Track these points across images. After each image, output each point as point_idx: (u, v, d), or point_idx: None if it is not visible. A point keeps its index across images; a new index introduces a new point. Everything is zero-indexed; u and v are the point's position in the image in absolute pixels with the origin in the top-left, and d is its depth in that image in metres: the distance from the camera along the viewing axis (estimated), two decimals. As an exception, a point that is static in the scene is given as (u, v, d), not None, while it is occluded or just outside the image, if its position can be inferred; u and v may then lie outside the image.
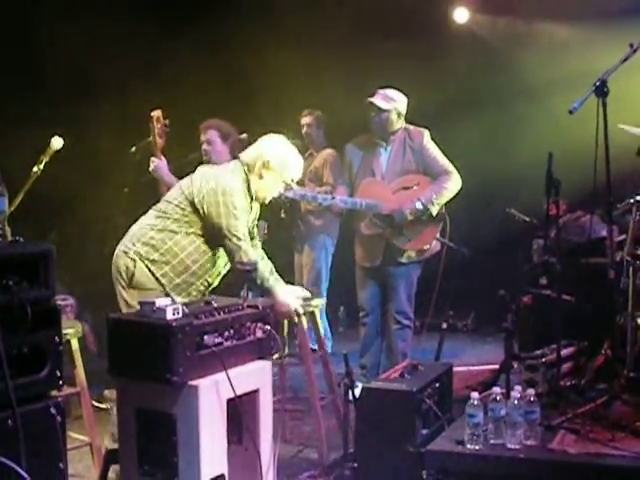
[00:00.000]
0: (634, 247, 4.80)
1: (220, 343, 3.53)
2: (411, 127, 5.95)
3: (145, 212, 4.54)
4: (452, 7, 8.67)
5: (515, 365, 5.09)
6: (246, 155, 4.58)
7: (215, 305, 3.68)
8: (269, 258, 4.64)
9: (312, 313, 5.01)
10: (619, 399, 4.31)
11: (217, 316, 3.59)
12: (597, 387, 4.75)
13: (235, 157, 4.71)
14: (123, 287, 4.38)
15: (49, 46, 6.84)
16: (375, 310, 6.07)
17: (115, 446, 3.86)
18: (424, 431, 4.13)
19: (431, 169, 5.86)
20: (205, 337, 3.45)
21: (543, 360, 4.89)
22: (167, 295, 4.17)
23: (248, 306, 3.80)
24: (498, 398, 3.90)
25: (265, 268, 4.45)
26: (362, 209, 5.81)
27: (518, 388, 3.99)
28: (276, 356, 4.12)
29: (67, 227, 7.07)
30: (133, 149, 5.58)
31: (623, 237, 5.17)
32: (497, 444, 3.89)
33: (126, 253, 4.37)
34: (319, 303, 5.10)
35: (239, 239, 4.35)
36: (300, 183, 6.99)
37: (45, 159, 4.66)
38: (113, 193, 6.55)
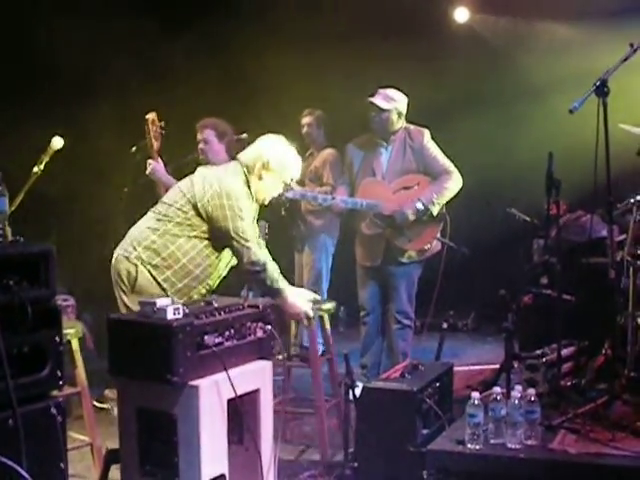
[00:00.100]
0: (634, 247, 4.80)
1: (221, 343, 3.53)
2: (412, 127, 5.96)
3: (144, 214, 4.51)
4: (452, 6, 8.67)
5: (515, 365, 5.09)
6: (245, 156, 4.55)
7: (216, 305, 3.68)
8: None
9: (321, 317, 5.02)
10: (620, 399, 4.30)
11: (218, 316, 3.59)
12: (598, 387, 4.74)
13: (232, 156, 4.69)
14: (124, 292, 4.33)
15: (49, 46, 6.83)
16: (376, 310, 6.08)
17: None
18: (424, 431, 4.13)
19: (432, 169, 5.86)
20: (206, 337, 3.45)
21: (544, 360, 4.89)
22: None
23: (249, 306, 3.80)
24: (498, 398, 3.90)
25: (274, 269, 4.42)
26: (362, 209, 5.82)
27: (518, 388, 3.99)
28: (281, 357, 4.12)
29: (67, 227, 7.06)
30: (133, 149, 5.58)
31: (623, 237, 5.17)
32: (497, 444, 3.89)
33: (127, 258, 4.33)
34: (330, 307, 5.10)
35: (247, 240, 4.32)
36: (300, 183, 7.00)
37: (45, 159, 4.66)
38: (113, 193, 6.55)
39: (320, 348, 5.35)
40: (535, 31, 8.33)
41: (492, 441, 3.91)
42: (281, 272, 4.53)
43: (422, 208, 5.73)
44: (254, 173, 4.48)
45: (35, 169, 4.65)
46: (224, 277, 4.61)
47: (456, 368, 4.95)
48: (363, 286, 6.10)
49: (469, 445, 3.87)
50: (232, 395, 3.49)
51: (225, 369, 3.46)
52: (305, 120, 7.26)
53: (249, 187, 4.47)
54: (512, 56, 8.20)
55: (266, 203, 4.65)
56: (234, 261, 4.51)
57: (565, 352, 4.85)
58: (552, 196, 4.50)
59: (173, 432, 3.39)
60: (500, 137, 8.12)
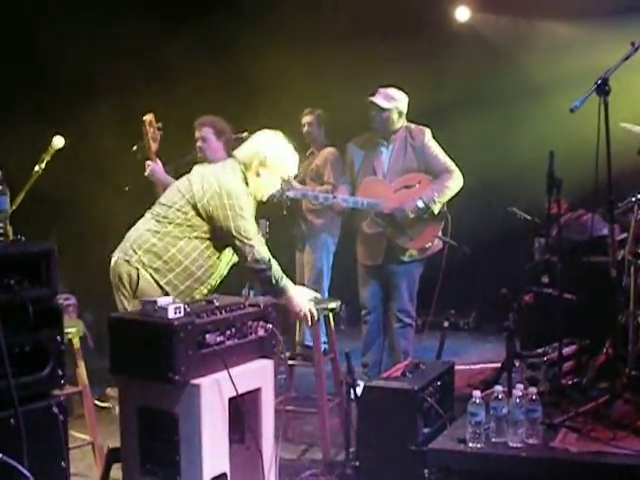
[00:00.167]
0: (635, 246, 4.80)
1: (222, 342, 3.53)
2: (412, 126, 5.96)
3: (144, 214, 4.48)
4: (453, 6, 8.66)
5: (517, 363, 5.08)
6: (241, 153, 4.51)
7: (217, 304, 3.68)
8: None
9: (326, 316, 5.02)
10: (621, 398, 4.30)
11: (219, 315, 3.59)
12: (599, 386, 4.74)
13: (230, 155, 4.66)
14: (125, 296, 4.30)
15: (50, 46, 6.83)
16: (377, 308, 6.08)
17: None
18: (426, 430, 4.13)
19: (432, 167, 5.86)
20: (207, 336, 3.45)
21: (545, 359, 4.90)
22: None
23: (250, 305, 3.80)
24: (500, 396, 3.90)
25: (277, 266, 4.40)
26: (363, 208, 5.82)
27: (520, 387, 3.99)
28: (283, 356, 4.12)
29: (68, 226, 7.06)
30: (134, 148, 5.57)
31: (624, 236, 5.16)
32: (499, 443, 3.90)
33: (128, 262, 4.28)
34: (335, 306, 5.10)
35: (249, 239, 4.29)
36: (301, 182, 7.02)
37: (47, 158, 4.65)
38: (114, 192, 6.55)
39: (322, 347, 5.34)
40: (536, 30, 8.32)
41: (493, 440, 3.91)
42: (283, 272, 4.54)
43: (423, 207, 5.73)
44: (251, 170, 4.44)
45: (36, 168, 4.64)
46: (225, 276, 4.60)
47: (457, 367, 4.95)
48: (364, 285, 6.11)
49: (470, 444, 3.87)
50: (233, 394, 3.49)
51: (226, 368, 3.45)
52: (305, 119, 7.26)
53: (247, 184, 4.44)
54: (513, 55, 8.19)
55: (264, 200, 4.62)
56: (235, 259, 4.49)
57: (566, 351, 4.84)
58: (553, 195, 4.50)
59: (174, 431, 3.39)
60: (501, 136, 8.12)
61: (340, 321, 8.55)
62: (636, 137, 4.82)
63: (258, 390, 3.72)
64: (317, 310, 4.67)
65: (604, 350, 5.03)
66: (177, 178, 4.74)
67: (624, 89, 4.63)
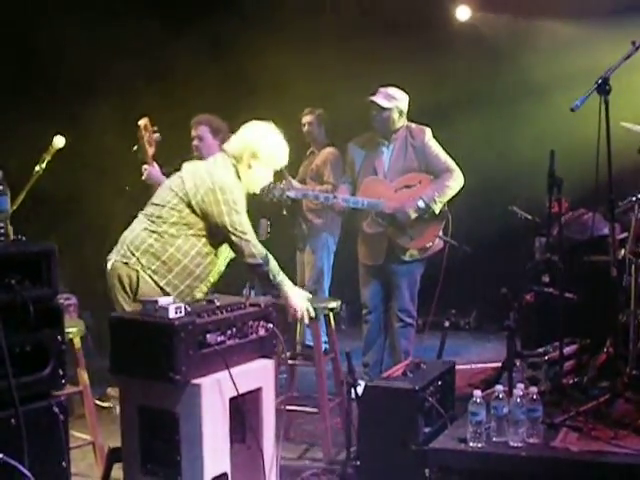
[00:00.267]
0: (636, 245, 4.80)
1: (223, 342, 3.53)
2: (413, 125, 5.95)
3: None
4: (454, 5, 8.67)
5: (517, 363, 5.08)
6: (231, 146, 4.46)
7: (217, 304, 3.68)
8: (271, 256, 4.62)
9: (326, 315, 5.02)
10: (622, 397, 4.30)
11: (220, 315, 3.59)
12: (600, 385, 4.74)
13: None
14: (125, 300, 4.26)
15: (50, 46, 6.83)
16: (378, 308, 6.08)
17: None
18: (427, 429, 4.13)
19: (433, 167, 5.86)
20: (208, 336, 3.45)
21: (546, 358, 4.89)
22: None
23: (251, 305, 3.80)
24: (501, 396, 3.90)
25: (274, 262, 4.38)
26: (364, 208, 5.82)
27: (521, 386, 3.99)
28: (284, 356, 4.11)
29: (69, 226, 7.06)
30: (135, 148, 5.57)
31: (625, 235, 5.16)
32: (500, 442, 3.89)
33: (127, 264, 4.25)
34: (335, 305, 5.10)
35: (244, 233, 4.27)
36: (301, 181, 7.03)
37: (47, 158, 4.65)
38: (115, 192, 6.56)
39: (323, 346, 5.34)
40: (536, 29, 8.33)
41: (494, 439, 3.91)
42: (282, 270, 4.53)
43: (424, 206, 5.73)
44: (243, 163, 4.39)
45: (37, 168, 4.64)
46: (225, 274, 4.59)
47: (458, 366, 4.94)
48: (365, 284, 6.10)
49: (471, 443, 3.87)
50: (234, 394, 3.50)
51: (227, 367, 3.46)
52: (306, 119, 7.27)
53: (239, 178, 4.40)
54: (513, 54, 8.19)
55: (257, 192, 4.58)
56: (232, 255, 4.47)
57: (567, 350, 4.85)
58: (554, 194, 4.50)
59: (175, 431, 3.39)
60: (501, 135, 8.12)
61: (341, 321, 8.55)
62: (636, 136, 4.82)
63: (259, 390, 3.72)
64: (316, 309, 4.68)
65: (605, 349, 5.03)
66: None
67: (625, 88, 4.64)
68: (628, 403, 4.28)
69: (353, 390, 4.25)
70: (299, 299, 4.47)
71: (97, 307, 6.76)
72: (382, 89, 5.89)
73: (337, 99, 7.49)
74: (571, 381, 4.81)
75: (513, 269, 6.62)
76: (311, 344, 5.76)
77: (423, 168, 5.87)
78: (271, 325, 3.81)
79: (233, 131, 5.53)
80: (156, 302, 3.46)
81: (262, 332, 3.77)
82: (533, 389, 3.97)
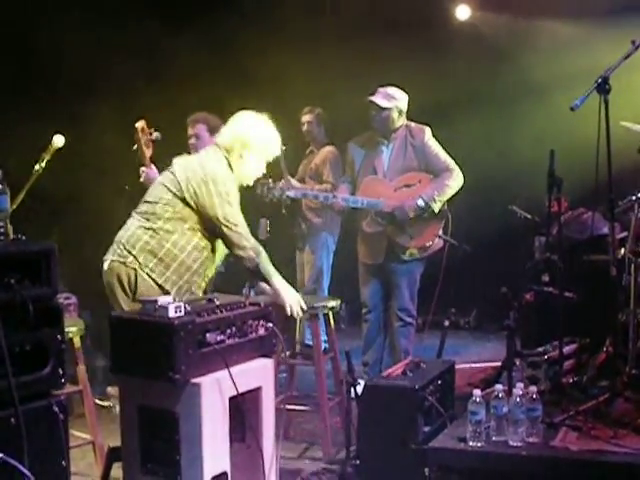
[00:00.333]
0: (636, 244, 4.80)
1: (222, 341, 3.53)
2: (412, 124, 5.96)
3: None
4: (454, 4, 8.67)
5: (517, 362, 5.08)
6: (222, 138, 4.44)
7: (217, 303, 3.68)
8: (271, 256, 4.61)
9: (326, 315, 5.02)
10: (621, 396, 4.30)
11: (219, 314, 3.59)
12: (599, 384, 4.74)
13: None
14: (124, 299, 4.23)
15: (50, 45, 6.82)
16: (378, 307, 6.08)
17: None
18: (426, 428, 4.13)
19: (433, 166, 5.86)
20: (207, 335, 3.45)
21: (545, 357, 4.89)
22: None
23: (250, 304, 3.80)
24: (500, 395, 3.90)
25: (265, 256, 4.36)
26: (364, 207, 5.82)
27: (520, 385, 3.99)
28: (284, 355, 4.11)
29: (68, 225, 7.06)
30: (135, 147, 5.56)
31: (625, 234, 5.16)
32: (499, 441, 3.89)
33: (124, 263, 4.22)
34: (335, 305, 5.10)
35: (236, 225, 4.25)
36: (301, 181, 7.03)
37: (47, 157, 4.65)
38: (115, 191, 6.55)
39: (322, 346, 5.34)
40: (536, 29, 8.32)
41: (494, 439, 3.91)
42: (282, 270, 4.53)
43: (423, 205, 5.73)
44: (235, 154, 4.37)
45: (36, 167, 4.64)
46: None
47: (458, 366, 4.95)
48: (365, 284, 6.11)
49: (471, 443, 3.87)
50: (234, 393, 3.49)
51: (227, 367, 3.45)
52: (305, 118, 7.27)
53: (232, 170, 4.38)
54: (513, 54, 8.19)
55: (250, 184, 4.55)
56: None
57: (567, 349, 4.84)
58: (553, 193, 4.50)
59: (175, 430, 3.39)
60: (501, 135, 8.12)
61: (340, 320, 8.55)
62: (636, 135, 4.82)
63: (259, 389, 3.72)
64: (316, 308, 4.68)
65: (604, 348, 5.03)
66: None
67: (624, 88, 4.63)
68: (627, 402, 4.28)
69: (353, 389, 4.25)
70: (289, 294, 4.45)
71: (96, 306, 6.76)
72: (381, 89, 5.89)
73: (337, 98, 7.49)
74: (571, 380, 4.81)
75: (513, 268, 6.62)
76: (311, 343, 5.76)
77: (423, 167, 5.88)
78: (271, 324, 3.81)
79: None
80: (156, 301, 3.46)
81: (262, 331, 3.77)
82: (533, 388, 3.97)
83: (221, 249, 4.45)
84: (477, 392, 3.91)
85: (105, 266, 4.30)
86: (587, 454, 3.75)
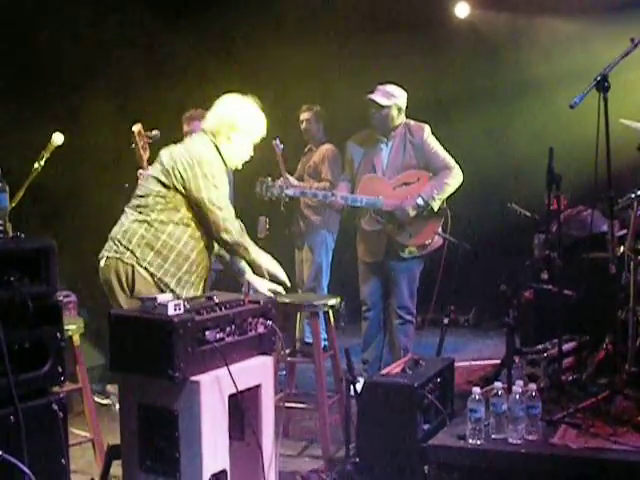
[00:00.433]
0: (635, 242, 4.80)
1: (222, 339, 3.53)
2: (412, 122, 5.95)
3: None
4: (453, 2, 8.66)
5: (517, 360, 5.09)
6: (208, 123, 4.41)
7: (216, 301, 3.68)
8: (270, 254, 4.61)
9: (326, 312, 5.02)
10: (621, 394, 4.30)
11: (218, 312, 3.59)
12: (598, 382, 4.74)
13: None
14: (121, 295, 4.20)
15: (49, 42, 6.82)
16: (377, 305, 6.08)
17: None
18: (426, 426, 4.13)
19: (432, 164, 5.86)
20: (207, 333, 3.45)
21: (545, 355, 4.90)
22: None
23: (250, 301, 3.80)
24: (500, 393, 3.90)
25: (249, 243, 4.36)
26: (363, 206, 5.81)
27: (520, 383, 4.00)
28: (283, 353, 4.10)
29: (68, 223, 7.06)
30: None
31: (624, 232, 5.16)
32: (499, 439, 3.90)
33: (121, 259, 4.20)
34: (335, 302, 5.10)
35: (221, 209, 4.23)
36: (299, 179, 7.03)
37: (46, 155, 4.65)
38: (114, 189, 6.55)
39: (322, 343, 5.35)
40: (535, 26, 8.33)
41: (493, 436, 3.91)
42: (282, 269, 4.53)
43: (422, 204, 5.73)
44: (222, 136, 4.35)
45: (35, 165, 4.64)
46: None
47: (457, 363, 4.96)
48: (364, 281, 6.11)
49: (470, 440, 3.88)
50: (233, 391, 3.49)
51: (226, 364, 3.45)
52: (303, 116, 7.27)
53: (220, 154, 4.35)
54: (512, 51, 8.20)
55: (239, 167, 4.53)
56: None
57: (566, 347, 4.85)
58: (553, 191, 4.51)
59: (174, 428, 3.39)
60: (500, 132, 8.13)
61: (340, 318, 8.55)
62: (636, 133, 4.81)
63: (258, 387, 3.72)
64: (318, 306, 4.69)
65: (604, 346, 5.03)
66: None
67: (623, 85, 4.64)
68: (627, 400, 4.28)
69: (352, 387, 4.25)
70: (262, 283, 4.46)
71: (95, 304, 6.76)
72: (380, 87, 5.88)
73: (336, 96, 7.50)
74: (570, 378, 4.81)
75: (512, 266, 6.63)
76: (310, 341, 5.77)
77: (422, 165, 5.88)
78: (270, 322, 3.81)
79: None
80: (155, 299, 3.46)
81: (261, 329, 3.77)
82: (532, 386, 3.98)
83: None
84: (476, 390, 3.92)
85: (102, 263, 4.29)
86: (586, 451, 3.75)
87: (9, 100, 6.73)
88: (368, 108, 5.88)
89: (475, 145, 7.76)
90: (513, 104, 8.00)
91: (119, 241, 4.24)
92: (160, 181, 4.25)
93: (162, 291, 4.18)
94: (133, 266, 4.20)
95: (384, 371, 4.54)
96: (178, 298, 4.02)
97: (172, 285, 4.23)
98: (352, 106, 6.48)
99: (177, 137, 5.47)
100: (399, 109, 5.88)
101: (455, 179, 5.82)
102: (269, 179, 5.66)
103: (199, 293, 4.36)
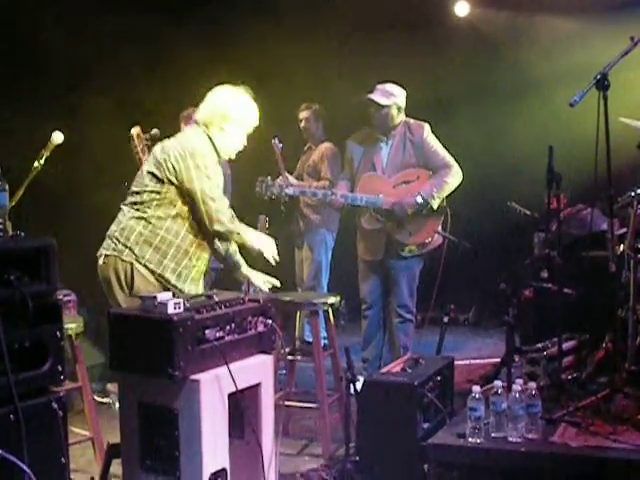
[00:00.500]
0: (635, 240, 4.80)
1: (221, 337, 3.53)
2: (411, 121, 5.95)
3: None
4: (453, 0, 8.66)
5: (516, 358, 5.09)
6: (200, 114, 4.39)
7: (216, 299, 3.68)
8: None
9: (325, 311, 5.03)
10: (620, 392, 4.30)
11: (218, 310, 3.59)
12: (598, 380, 4.75)
13: None
14: (120, 294, 4.19)
15: (48, 41, 6.82)
16: (377, 303, 6.08)
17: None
18: (425, 425, 4.14)
19: (432, 162, 5.86)
20: (206, 331, 3.45)
21: (544, 353, 4.90)
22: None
23: (249, 300, 3.80)
24: (499, 391, 3.90)
25: (244, 230, 4.35)
26: (362, 204, 5.81)
27: (519, 381, 4.00)
28: (283, 351, 4.10)
29: (68, 222, 7.06)
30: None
31: (624, 230, 5.17)
32: (498, 437, 3.90)
33: (120, 257, 4.19)
34: (335, 301, 5.09)
35: (213, 200, 4.20)
36: (299, 177, 7.03)
37: (46, 154, 4.64)
38: (113, 188, 6.55)
39: (322, 342, 5.35)
40: (535, 25, 8.33)
41: (493, 435, 3.91)
42: (281, 267, 4.53)
43: (422, 202, 5.73)
44: (214, 127, 4.33)
45: (35, 164, 4.63)
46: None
47: (457, 362, 4.95)
48: (364, 280, 6.11)
49: (470, 439, 3.87)
50: (233, 389, 3.50)
51: (226, 363, 3.46)
52: (302, 115, 7.26)
53: (213, 145, 4.34)
54: (512, 50, 8.19)
55: (233, 157, 4.51)
56: None
57: (566, 346, 4.85)
58: (553, 190, 4.51)
59: (174, 426, 3.39)
60: (500, 131, 8.12)
61: (340, 316, 8.56)
62: (635, 131, 4.82)
63: (258, 385, 3.72)
64: (318, 304, 4.68)
65: (603, 345, 5.04)
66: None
67: (623, 84, 4.64)
68: (627, 398, 4.29)
69: (352, 386, 4.25)
70: (258, 276, 4.49)
71: (95, 303, 6.75)
72: (379, 86, 5.88)
73: (335, 94, 7.49)
74: (570, 377, 4.82)
75: (512, 265, 6.63)
76: (310, 340, 5.77)
77: (422, 164, 5.87)
78: (270, 321, 3.81)
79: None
80: (155, 298, 3.46)
81: (261, 328, 3.77)
82: (532, 385, 3.98)
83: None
84: (476, 388, 3.91)
85: (100, 261, 4.28)
86: (586, 450, 3.75)
87: (9, 99, 6.74)
88: (368, 107, 5.88)
89: (475, 144, 7.76)
90: (513, 103, 8.00)
91: (117, 239, 4.23)
92: (154, 175, 4.23)
93: (163, 287, 4.18)
94: (132, 264, 4.18)
95: (384, 370, 4.55)
96: (181, 292, 4.05)
97: (173, 280, 4.22)
98: (351, 105, 6.48)
99: (175, 133, 5.49)
100: (399, 108, 5.88)
101: (455, 178, 5.81)
102: (269, 178, 5.66)
103: (200, 288, 4.36)
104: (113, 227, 4.31)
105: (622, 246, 4.97)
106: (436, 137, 5.92)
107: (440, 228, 5.83)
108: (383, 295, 6.08)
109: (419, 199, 5.72)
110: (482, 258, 7.23)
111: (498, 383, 3.96)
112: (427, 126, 5.92)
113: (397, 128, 5.91)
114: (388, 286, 6.03)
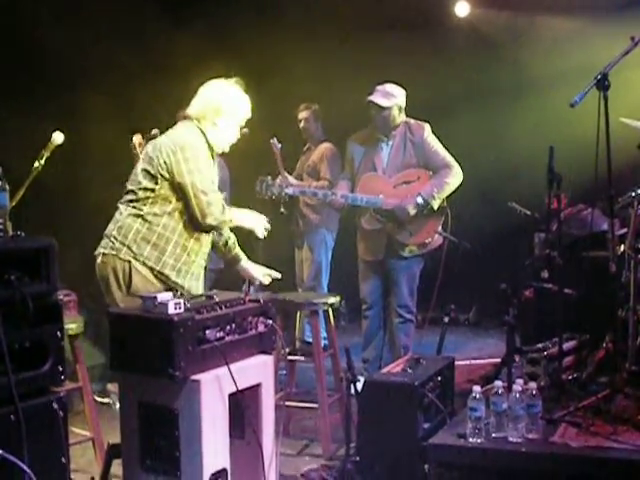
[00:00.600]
0: (635, 240, 4.80)
1: (222, 337, 3.53)
2: (412, 121, 5.95)
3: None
4: (453, 1, 8.66)
5: (517, 359, 5.09)
6: (192, 109, 4.38)
7: (217, 299, 3.68)
8: (270, 253, 4.62)
9: (325, 311, 5.03)
10: (621, 392, 4.30)
11: (219, 310, 3.59)
12: (599, 380, 4.75)
13: None
14: (117, 292, 4.17)
15: (48, 38, 6.81)
16: (377, 303, 6.08)
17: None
18: (426, 425, 4.13)
19: (432, 163, 5.86)
20: (207, 331, 3.45)
21: (545, 354, 4.89)
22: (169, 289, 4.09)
23: (250, 300, 3.80)
24: (500, 392, 3.90)
25: (230, 213, 4.34)
26: (363, 205, 5.81)
27: (520, 381, 4.00)
28: (284, 352, 4.10)
29: (68, 222, 7.05)
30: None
31: (624, 231, 5.17)
32: (499, 437, 3.89)
33: (118, 256, 4.17)
34: (335, 301, 5.09)
35: (205, 193, 4.18)
36: (298, 177, 7.03)
37: (46, 154, 4.64)
38: (114, 188, 6.55)
39: (322, 342, 5.35)
40: (535, 25, 8.33)
41: (493, 435, 3.91)
42: (282, 267, 4.53)
43: (422, 202, 5.73)
44: (207, 121, 4.33)
45: (36, 164, 4.63)
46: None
47: (457, 362, 4.95)
48: (365, 280, 6.11)
49: (470, 439, 3.87)
50: (233, 389, 3.50)
51: (227, 363, 3.46)
52: (302, 115, 7.26)
53: (206, 139, 4.33)
54: (513, 50, 8.19)
55: (226, 150, 4.49)
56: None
57: (566, 346, 4.84)
58: (553, 190, 4.50)
59: (175, 427, 3.39)
60: (501, 131, 8.12)
61: (340, 317, 8.56)
62: (636, 132, 4.82)
63: (258, 386, 3.72)
64: (318, 305, 4.68)
65: (604, 345, 5.04)
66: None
67: (624, 84, 4.63)
68: (627, 399, 4.28)
69: (352, 386, 4.25)
70: (256, 268, 4.51)
71: (95, 303, 6.75)
72: (379, 87, 5.88)
73: (335, 94, 7.48)
74: (570, 377, 4.81)
75: (512, 265, 6.63)
76: (310, 340, 5.77)
77: (422, 164, 5.88)
78: (270, 321, 3.81)
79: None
80: (155, 298, 3.46)
81: (261, 328, 3.78)
82: (532, 385, 3.97)
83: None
84: (477, 388, 3.91)
85: (98, 260, 4.27)
86: (586, 450, 3.75)
87: (9, 99, 6.73)
88: (369, 110, 5.88)
89: (475, 144, 7.75)
90: (513, 103, 8.00)
91: (115, 237, 4.22)
92: (147, 172, 4.22)
93: (163, 284, 4.18)
94: (130, 262, 4.17)
95: (384, 370, 4.55)
96: (182, 288, 4.05)
97: (173, 277, 4.21)
98: (351, 105, 6.48)
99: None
100: (400, 108, 5.88)
101: (455, 178, 5.82)
102: (269, 178, 5.66)
103: (200, 283, 4.36)
104: (111, 226, 4.30)
105: (622, 246, 4.96)
106: (436, 137, 5.92)
107: (440, 228, 5.84)
108: (383, 295, 6.08)
109: (419, 199, 5.72)
110: (482, 258, 7.25)
111: (498, 383, 3.96)
112: (427, 126, 5.93)
113: (398, 128, 5.91)
114: (388, 286, 6.03)
